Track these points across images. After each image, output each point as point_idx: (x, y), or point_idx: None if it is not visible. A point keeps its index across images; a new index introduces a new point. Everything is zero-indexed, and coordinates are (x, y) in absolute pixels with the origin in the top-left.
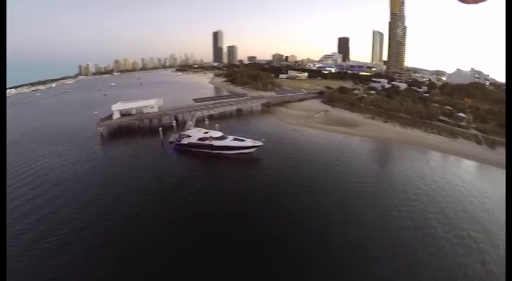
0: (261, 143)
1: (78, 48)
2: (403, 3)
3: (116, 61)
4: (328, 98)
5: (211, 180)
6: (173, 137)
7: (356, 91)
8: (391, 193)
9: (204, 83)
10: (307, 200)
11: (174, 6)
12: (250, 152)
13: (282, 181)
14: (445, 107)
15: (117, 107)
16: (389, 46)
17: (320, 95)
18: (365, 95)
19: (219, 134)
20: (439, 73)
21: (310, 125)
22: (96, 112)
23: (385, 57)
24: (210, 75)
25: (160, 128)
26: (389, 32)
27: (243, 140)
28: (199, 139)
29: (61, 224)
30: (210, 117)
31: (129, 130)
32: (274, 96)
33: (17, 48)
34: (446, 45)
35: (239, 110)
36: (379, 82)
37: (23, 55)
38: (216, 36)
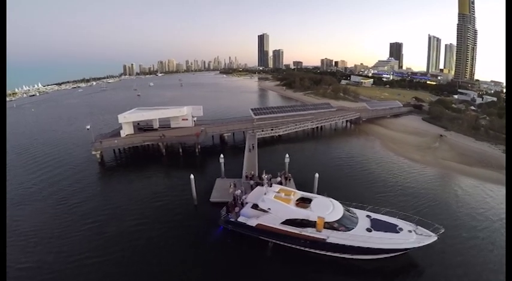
0: (434, 238)
1: (125, 49)
2: (473, 2)
3: (160, 62)
4: (431, 114)
5: None
6: (219, 190)
7: (453, 105)
8: None
9: (252, 87)
10: None
11: (218, 10)
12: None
13: None
14: None
15: (128, 118)
16: (458, 52)
17: (416, 109)
18: (473, 113)
19: (337, 211)
20: (497, 84)
21: (444, 164)
22: (88, 127)
23: (441, 65)
24: (257, 78)
25: (192, 177)
26: (457, 35)
27: (395, 229)
28: (290, 222)
29: None
30: (278, 139)
31: (145, 155)
32: (366, 109)
33: (69, 49)
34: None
35: (317, 128)
36: (466, 94)
37: (72, 55)
38: (262, 39)
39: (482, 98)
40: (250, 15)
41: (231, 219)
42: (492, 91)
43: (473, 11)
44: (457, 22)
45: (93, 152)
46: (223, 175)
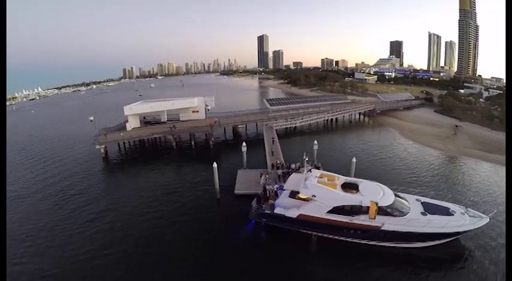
0: (486, 220)
1: (125, 52)
2: None
3: (160, 65)
4: (443, 106)
5: None
6: (243, 182)
7: (463, 98)
8: None
9: (255, 86)
10: None
11: (217, 13)
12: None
13: None
14: None
15: (134, 110)
16: (460, 48)
17: (427, 101)
18: (483, 105)
19: (388, 195)
20: (498, 81)
21: (466, 152)
22: (91, 118)
23: (442, 62)
24: (258, 78)
25: (215, 166)
26: (459, 31)
27: (449, 212)
28: (339, 210)
29: None
30: (293, 130)
31: (154, 149)
32: (379, 101)
33: (68, 53)
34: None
35: (331, 120)
36: (473, 88)
37: (72, 59)
38: (262, 40)
39: (489, 91)
40: (249, 17)
41: (265, 211)
42: (495, 86)
43: (474, 7)
44: (458, 18)
45: (97, 147)
46: (245, 165)
